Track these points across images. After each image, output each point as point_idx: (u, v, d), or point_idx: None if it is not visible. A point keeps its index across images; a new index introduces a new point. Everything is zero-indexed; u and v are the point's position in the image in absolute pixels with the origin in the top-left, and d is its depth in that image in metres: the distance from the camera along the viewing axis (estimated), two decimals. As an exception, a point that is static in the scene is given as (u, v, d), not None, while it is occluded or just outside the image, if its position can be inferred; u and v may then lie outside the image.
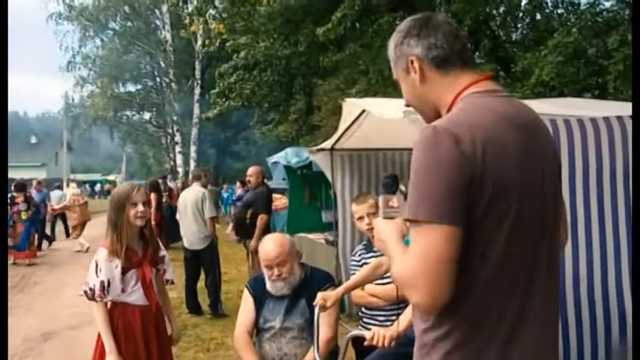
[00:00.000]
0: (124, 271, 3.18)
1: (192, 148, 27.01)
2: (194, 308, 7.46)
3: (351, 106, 5.92)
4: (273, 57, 12.43)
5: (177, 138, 28.41)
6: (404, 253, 1.51)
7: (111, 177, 50.17)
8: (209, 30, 14.43)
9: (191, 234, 7.44)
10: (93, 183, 29.96)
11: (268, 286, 3.30)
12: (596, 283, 3.54)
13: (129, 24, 28.66)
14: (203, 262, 7.49)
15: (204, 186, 7.79)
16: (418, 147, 1.46)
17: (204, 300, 7.53)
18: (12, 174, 36.82)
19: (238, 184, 16.20)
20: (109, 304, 3.24)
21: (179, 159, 28.05)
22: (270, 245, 3.27)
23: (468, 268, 1.46)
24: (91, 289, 3.15)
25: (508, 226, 1.46)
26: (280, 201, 12.05)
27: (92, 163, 72.96)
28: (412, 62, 1.64)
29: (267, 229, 7.52)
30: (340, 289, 3.10)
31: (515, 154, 1.48)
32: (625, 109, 3.73)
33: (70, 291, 9.44)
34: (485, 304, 1.49)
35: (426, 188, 1.42)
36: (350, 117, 6.02)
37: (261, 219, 7.45)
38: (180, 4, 12.34)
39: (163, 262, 3.49)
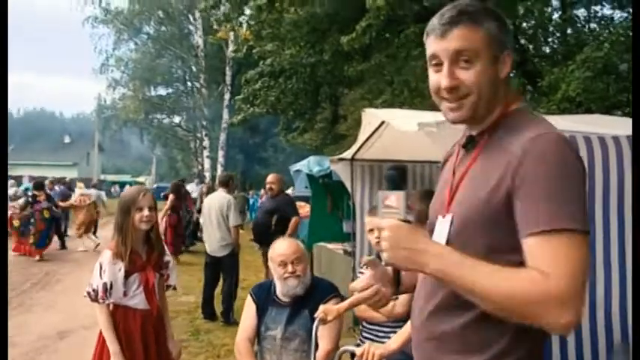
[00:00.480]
0: (127, 275, 3.19)
1: (220, 153, 27.20)
2: (209, 314, 7.45)
3: (371, 117, 5.86)
4: (298, 65, 12.44)
5: (206, 142, 28.69)
6: (499, 268, 1.33)
7: (141, 179, 50.82)
8: (238, 36, 14.60)
9: (214, 240, 7.42)
10: (123, 184, 30.36)
11: (279, 287, 3.25)
12: (599, 292, 3.47)
13: (162, 28, 29.10)
14: (223, 269, 7.47)
15: (231, 192, 7.76)
16: (545, 155, 1.37)
17: (218, 306, 7.52)
18: (45, 172, 37.70)
19: (262, 190, 16.28)
20: (111, 306, 3.24)
21: (207, 163, 28.30)
22: (286, 243, 3.30)
23: None
24: (94, 290, 3.16)
25: None
26: (303, 209, 12.01)
27: (123, 164, 74.13)
28: (509, 54, 1.53)
29: (282, 234, 7.54)
30: (343, 305, 3.05)
31: None
32: None
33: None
34: None
35: (563, 196, 1.33)
36: (369, 127, 5.96)
37: (295, 221, 7.53)
38: (211, 10, 12.40)
39: (167, 268, 3.49)
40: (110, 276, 3.14)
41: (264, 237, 7.86)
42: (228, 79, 26.82)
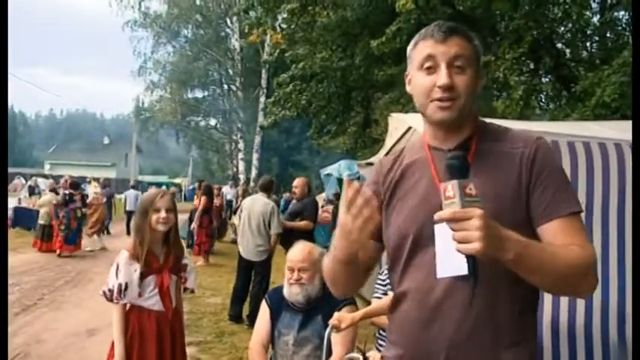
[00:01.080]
0: (142, 276, 3.20)
1: (255, 156, 27.38)
2: (235, 316, 7.44)
3: (397, 122, 5.82)
4: (329, 69, 12.41)
5: (241, 145, 28.92)
6: (561, 246, 1.53)
7: (177, 180, 51.54)
8: (270, 40, 14.70)
9: (251, 246, 7.31)
10: (159, 185, 30.98)
11: (285, 291, 3.26)
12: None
13: (200, 32, 29.52)
14: (256, 272, 7.41)
15: (271, 197, 7.72)
16: (550, 153, 1.66)
17: (244, 309, 7.53)
18: (84, 172, 38.51)
19: (288, 194, 16.32)
20: (127, 305, 3.27)
21: (241, 166, 28.52)
22: (299, 248, 3.29)
23: None
24: (110, 290, 3.19)
25: None
26: (324, 214, 11.90)
27: (160, 165, 75.35)
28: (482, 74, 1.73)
29: (309, 239, 7.51)
30: (358, 314, 3.03)
31: None
32: None
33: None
34: None
35: (569, 185, 1.67)
36: (396, 132, 5.91)
37: (307, 225, 7.49)
38: (243, 14, 12.54)
39: (185, 271, 3.49)
40: (126, 277, 3.16)
41: (287, 240, 7.85)
42: (263, 82, 26.99)
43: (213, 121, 33.35)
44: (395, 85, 11.42)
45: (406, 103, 12.31)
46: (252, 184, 25.12)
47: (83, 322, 7.29)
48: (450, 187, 1.36)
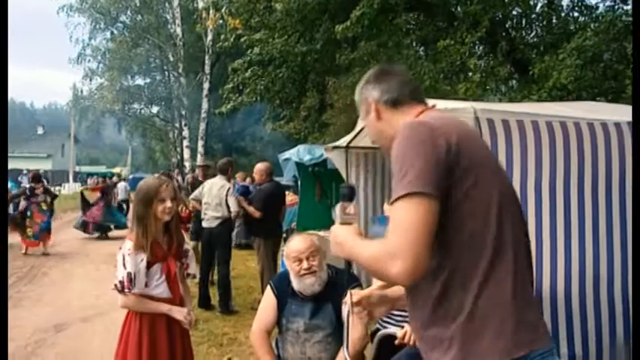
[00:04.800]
0: (149, 265, 3.16)
1: (200, 143, 27.00)
2: (205, 303, 7.44)
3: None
4: (289, 53, 12.38)
5: (185, 132, 28.43)
6: (373, 241, 1.70)
7: (116, 169, 50.24)
8: (222, 25, 14.49)
9: (212, 217, 7.44)
10: (102, 175, 29.98)
11: (296, 284, 3.24)
12: (602, 284, 3.62)
13: (139, 17, 28.69)
14: (219, 258, 7.50)
15: (229, 180, 7.73)
16: (396, 141, 1.69)
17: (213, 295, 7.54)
18: (18, 164, 36.92)
19: (248, 179, 16.19)
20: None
21: (186, 153, 28.07)
22: (300, 239, 3.29)
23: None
24: (120, 281, 3.13)
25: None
26: (288, 197, 12.00)
27: (97, 155, 73.18)
28: (370, 104, 1.95)
29: (271, 224, 7.62)
30: (372, 289, 3.08)
31: (477, 139, 1.85)
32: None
33: (78, 282, 9.48)
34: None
35: (405, 168, 1.62)
36: (368, 115, 6.01)
37: (252, 212, 7.51)
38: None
39: (187, 257, 3.47)
40: (132, 266, 3.11)
41: (257, 228, 7.85)
42: (207, 68, 26.57)
43: (155, 109, 32.64)
44: (351, 68, 11.53)
45: (356, 87, 12.43)
46: (197, 171, 24.82)
47: (48, 317, 7.10)
48: (338, 207, 1.90)
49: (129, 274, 3.10)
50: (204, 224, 7.59)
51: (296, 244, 3.26)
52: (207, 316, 7.07)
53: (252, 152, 33.89)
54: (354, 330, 3.01)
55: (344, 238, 1.81)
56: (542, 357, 1.64)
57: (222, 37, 13.99)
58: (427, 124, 1.69)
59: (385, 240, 1.59)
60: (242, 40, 13.42)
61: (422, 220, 1.55)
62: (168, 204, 3.18)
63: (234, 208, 7.33)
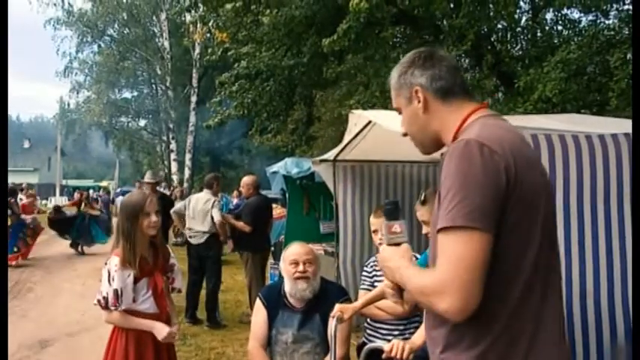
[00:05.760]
0: (135, 280, 3.14)
1: (187, 156, 26.92)
2: (193, 318, 7.38)
3: (358, 118, 5.91)
4: (276, 67, 12.44)
5: (173, 146, 28.34)
6: (422, 270, 1.62)
7: (104, 183, 49.94)
8: (210, 38, 14.56)
9: (199, 232, 7.37)
10: (87, 189, 29.69)
11: (289, 288, 3.26)
12: (602, 295, 3.63)
13: (126, 31, 28.65)
14: (207, 271, 7.43)
15: (215, 194, 7.69)
16: (452, 159, 1.53)
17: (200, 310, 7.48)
18: (5, 178, 36.54)
19: (235, 192, 16.17)
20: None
21: (174, 167, 27.96)
22: (299, 244, 3.37)
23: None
24: (104, 297, 3.10)
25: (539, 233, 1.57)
26: (276, 210, 11.99)
27: (84, 168, 72.71)
28: (416, 92, 1.74)
29: (259, 238, 7.61)
30: (358, 304, 3.09)
31: (536, 167, 1.64)
32: (625, 126, 3.85)
33: (64, 297, 9.38)
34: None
35: (461, 195, 1.48)
36: (355, 128, 6.01)
37: (243, 226, 7.47)
38: (185, 12, 12.40)
39: (172, 271, 3.46)
40: (119, 283, 3.08)
41: (241, 242, 7.82)
42: (195, 81, 26.57)
43: (142, 122, 32.55)
44: (338, 82, 11.59)
45: (343, 100, 12.47)
46: (185, 184, 24.73)
47: (33, 333, 7.02)
48: (384, 227, 1.78)
49: (115, 290, 3.07)
50: (192, 241, 7.53)
51: (295, 249, 3.33)
52: (195, 331, 7.02)
53: (240, 165, 33.84)
54: (337, 346, 3.02)
55: (394, 262, 1.70)
56: None
57: (210, 50, 14.03)
58: (488, 147, 1.51)
59: (435, 272, 1.51)
60: (229, 53, 13.48)
61: (476, 256, 1.45)
62: (154, 218, 3.18)
63: (217, 217, 7.27)
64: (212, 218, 7.28)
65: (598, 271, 3.69)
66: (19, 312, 8.23)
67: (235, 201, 14.48)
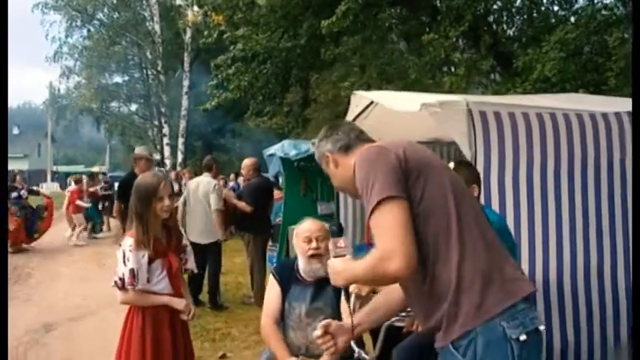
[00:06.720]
0: (150, 261, 3.16)
1: (180, 141, 26.78)
2: (195, 301, 7.40)
3: (360, 99, 5.91)
4: (274, 49, 12.38)
5: (165, 130, 28.14)
6: (363, 258, 1.88)
7: (95, 168, 49.71)
8: (202, 22, 14.45)
9: (201, 228, 7.25)
10: (78, 174, 29.42)
11: (302, 266, 3.28)
12: (592, 273, 3.72)
13: (116, 15, 28.31)
14: (209, 256, 7.36)
15: (215, 177, 7.65)
16: (356, 168, 1.96)
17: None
18: (-5, 165, 36.25)
19: (232, 175, 16.21)
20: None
21: (166, 151, 27.81)
22: (311, 221, 3.37)
23: None
24: (120, 278, 3.12)
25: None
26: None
27: (74, 154, 72.19)
28: (327, 157, 2.19)
29: (261, 220, 7.62)
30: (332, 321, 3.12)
31: (427, 152, 2.03)
32: (625, 104, 3.91)
33: (64, 282, 9.40)
34: None
35: (369, 182, 1.86)
36: (357, 109, 6.01)
37: (244, 207, 7.47)
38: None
39: (185, 252, 3.48)
40: (134, 263, 3.10)
41: (243, 223, 7.82)
42: (186, 65, 26.35)
43: (134, 107, 32.26)
44: (334, 64, 11.56)
45: (338, 82, 12.45)
46: (178, 168, 24.63)
47: (37, 317, 7.05)
48: (330, 243, 2.23)
49: (131, 270, 3.09)
50: (191, 236, 7.40)
51: (308, 225, 3.33)
52: (198, 312, 6.96)
53: (232, 149, 33.72)
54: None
55: (341, 267, 2.05)
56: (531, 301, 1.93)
57: (206, 33, 13.91)
58: (376, 145, 1.96)
59: (375, 248, 1.80)
60: (225, 36, 13.37)
61: (400, 219, 1.77)
62: (167, 202, 3.19)
63: (214, 205, 7.23)
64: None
65: (602, 248, 3.78)
66: (23, 297, 8.26)
67: (231, 184, 14.51)
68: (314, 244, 3.23)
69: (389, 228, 1.77)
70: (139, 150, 7.64)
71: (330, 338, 2.31)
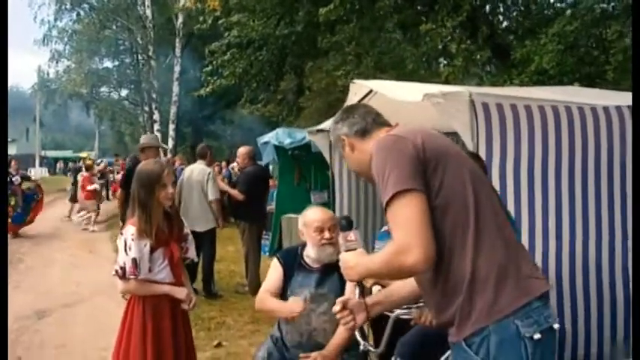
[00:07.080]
0: (151, 250, 3.11)
1: (171, 127, 26.53)
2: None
3: (358, 87, 5.86)
4: (270, 36, 12.28)
5: (156, 116, 27.88)
6: (379, 252, 1.90)
7: (83, 154, 49.36)
8: (199, 7, 14.29)
9: (196, 215, 7.11)
10: (67, 160, 29.06)
11: (314, 253, 3.23)
12: (591, 265, 3.75)
13: (106, -2, 27.95)
14: (203, 244, 7.22)
15: (209, 165, 7.59)
16: (373, 155, 1.92)
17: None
18: (-18, 149, 35.94)
19: (224, 163, 16.15)
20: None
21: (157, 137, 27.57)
22: (320, 210, 3.32)
23: None
24: (122, 267, 3.07)
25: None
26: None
27: (63, 139, 71.56)
28: (343, 140, 2.16)
29: (256, 208, 7.57)
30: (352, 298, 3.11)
31: (446, 140, 1.99)
32: (625, 98, 3.93)
33: (56, 268, 9.33)
34: None
35: (385, 173, 1.83)
36: (355, 97, 5.97)
37: (236, 194, 7.42)
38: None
39: (187, 241, 3.44)
40: (136, 252, 3.05)
41: (238, 211, 7.79)
42: (177, 51, 26.07)
43: (124, 92, 31.93)
44: (330, 52, 11.49)
45: (332, 70, 12.38)
46: (169, 155, 24.46)
47: (28, 304, 6.97)
48: (340, 237, 2.16)
49: (133, 259, 3.05)
50: (186, 222, 7.40)
51: (318, 214, 3.26)
52: (193, 301, 7.02)
53: (223, 136, 33.57)
54: (338, 336, 3.03)
55: (354, 261, 2.02)
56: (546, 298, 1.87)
57: (201, 19, 13.77)
58: (394, 135, 1.92)
59: (392, 240, 1.78)
60: (220, 22, 13.24)
61: (418, 211, 1.75)
62: (170, 190, 3.15)
63: (212, 195, 7.17)
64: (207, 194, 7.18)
65: (600, 241, 3.80)
66: (13, 283, 8.13)
67: (224, 171, 14.48)
68: (327, 235, 3.18)
69: (405, 221, 1.75)
70: (148, 139, 7.39)
71: (349, 313, 2.25)
